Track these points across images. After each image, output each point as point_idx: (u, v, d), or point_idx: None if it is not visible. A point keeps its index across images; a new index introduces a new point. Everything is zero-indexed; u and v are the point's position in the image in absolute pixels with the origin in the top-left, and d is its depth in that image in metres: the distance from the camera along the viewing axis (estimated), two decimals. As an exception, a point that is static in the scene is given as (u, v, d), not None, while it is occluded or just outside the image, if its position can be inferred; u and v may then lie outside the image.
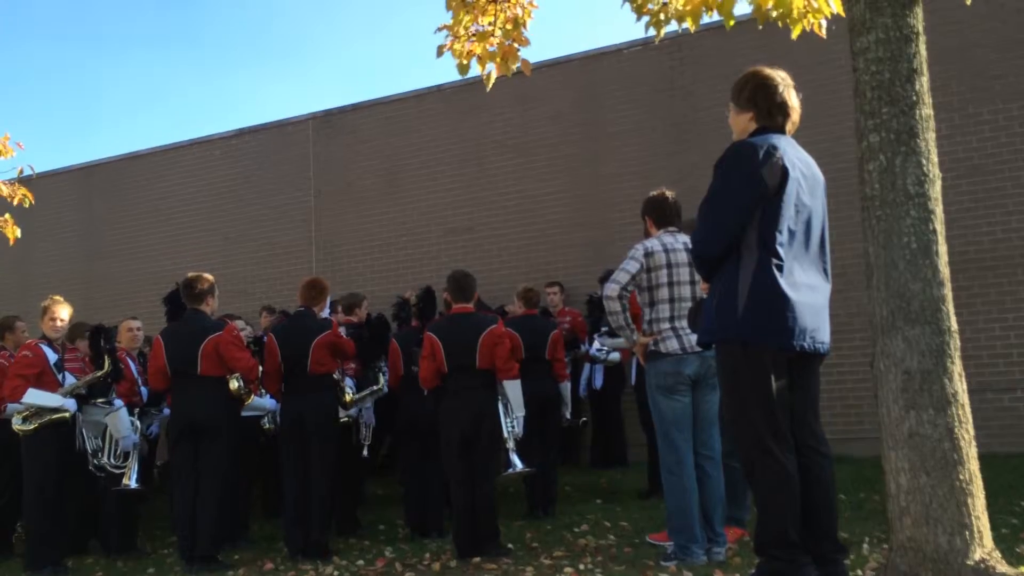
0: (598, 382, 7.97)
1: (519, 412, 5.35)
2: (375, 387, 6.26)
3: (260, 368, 5.76)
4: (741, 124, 3.40)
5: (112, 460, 5.77)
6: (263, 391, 6.06)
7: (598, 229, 8.88)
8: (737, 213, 3.19)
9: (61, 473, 5.79)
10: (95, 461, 5.86)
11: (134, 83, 30.46)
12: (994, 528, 3.32)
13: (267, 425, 6.49)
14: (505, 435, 5.31)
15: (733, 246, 3.20)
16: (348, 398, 5.91)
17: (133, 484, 5.72)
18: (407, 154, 9.97)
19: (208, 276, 5.78)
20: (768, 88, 3.35)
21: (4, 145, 6.82)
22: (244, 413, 6.04)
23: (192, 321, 5.63)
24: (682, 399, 4.51)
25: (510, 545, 5.26)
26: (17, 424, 5.68)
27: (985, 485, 3.20)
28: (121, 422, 5.79)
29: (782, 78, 3.38)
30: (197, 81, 31.02)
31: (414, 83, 13.61)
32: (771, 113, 3.34)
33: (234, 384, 5.53)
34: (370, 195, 10.13)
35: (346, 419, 6.04)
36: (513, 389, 5.34)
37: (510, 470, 5.36)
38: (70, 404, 5.78)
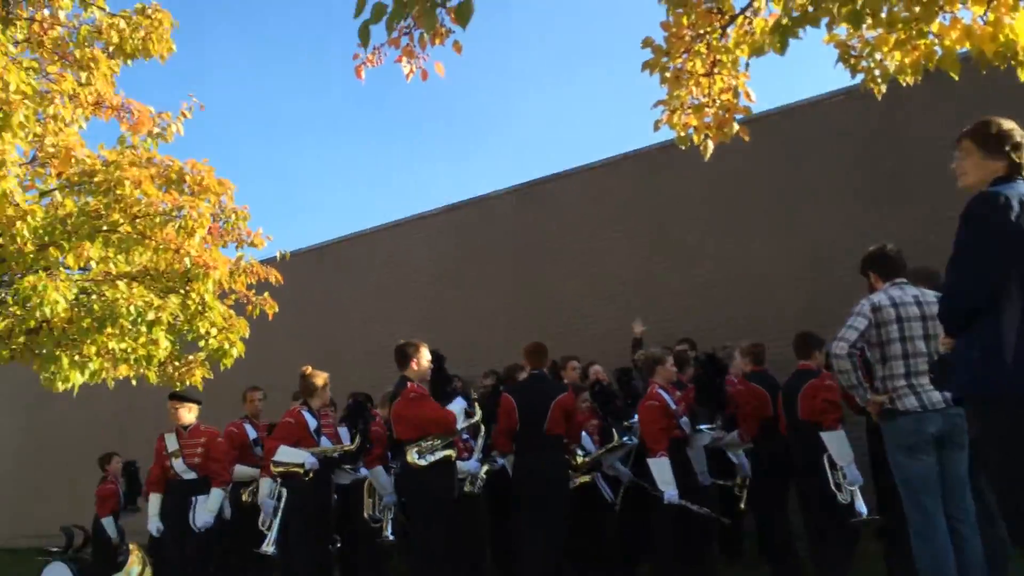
0: None
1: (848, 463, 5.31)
2: (612, 444, 6.29)
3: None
4: (986, 171, 3.38)
5: (375, 514, 6.28)
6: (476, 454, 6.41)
7: (815, 284, 8.67)
8: (996, 264, 3.14)
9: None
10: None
11: (356, 167, 33.47)
12: None
13: (467, 488, 6.42)
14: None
15: (992, 297, 3.15)
16: (579, 460, 6.07)
17: (391, 536, 6.20)
18: (601, 219, 10.25)
19: (414, 341, 5.99)
20: (1017, 139, 3.36)
21: (258, 237, 7.79)
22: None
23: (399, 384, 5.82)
24: (926, 459, 4.34)
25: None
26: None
27: None
28: (384, 478, 6.31)
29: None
30: (412, 164, 33.62)
31: (610, 150, 13.98)
32: (1019, 164, 3.34)
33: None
34: (568, 259, 10.46)
35: (585, 479, 6.20)
36: None
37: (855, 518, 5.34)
38: (309, 461, 6.21)
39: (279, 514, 6.30)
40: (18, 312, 6.87)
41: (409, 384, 5.62)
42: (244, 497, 7.12)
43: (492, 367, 9.29)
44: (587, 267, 10.31)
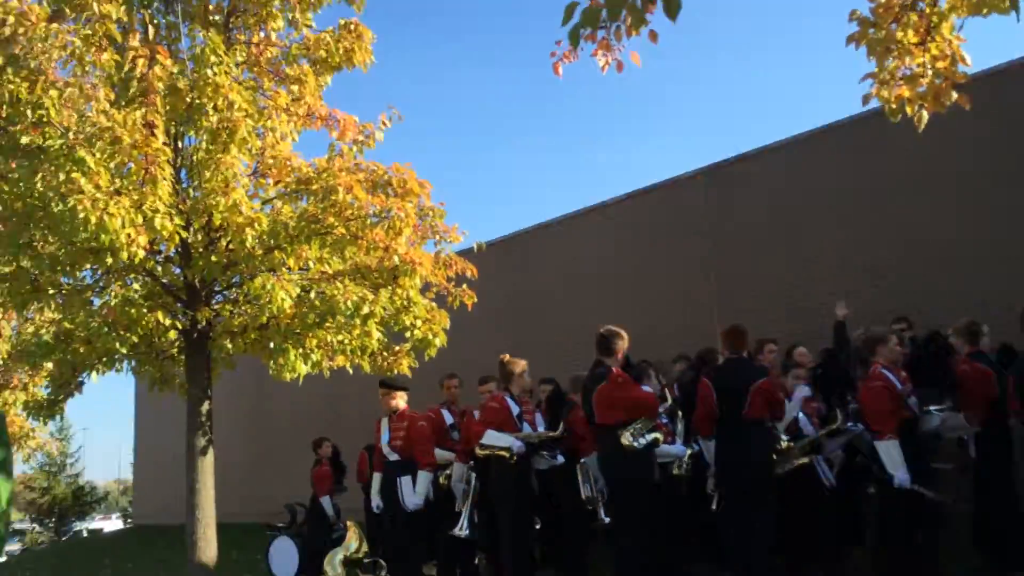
0: None
1: None
2: (832, 427, 6.08)
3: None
4: None
5: (592, 495, 6.46)
6: (677, 438, 6.40)
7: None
8: None
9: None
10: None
11: (539, 160, 34.16)
12: None
13: (675, 471, 6.55)
14: None
15: None
16: (784, 446, 5.96)
17: (605, 519, 6.37)
18: (802, 197, 9.89)
19: (618, 330, 5.98)
20: None
21: (454, 233, 8.21)
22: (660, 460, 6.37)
23: (597, 369, 5.87)
24: None
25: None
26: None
27: None
28: (594, 465, 6.50)
29: None
30: (595, 152, 33.85)
31: (807, 124, 13.43)
32: None
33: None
34: (765, 240, 10.18)
35: (804, 461, 6.07)
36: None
37: None
38: (516, 445, 6.47)
39: (469, 498, 6.54)
40: (250, 310, 7.60)
41: (614, 369, 5.71)
42: (441, 480, 7.48)
43: (682, 352, 9.25)
44: (787, 247, 9.99)
